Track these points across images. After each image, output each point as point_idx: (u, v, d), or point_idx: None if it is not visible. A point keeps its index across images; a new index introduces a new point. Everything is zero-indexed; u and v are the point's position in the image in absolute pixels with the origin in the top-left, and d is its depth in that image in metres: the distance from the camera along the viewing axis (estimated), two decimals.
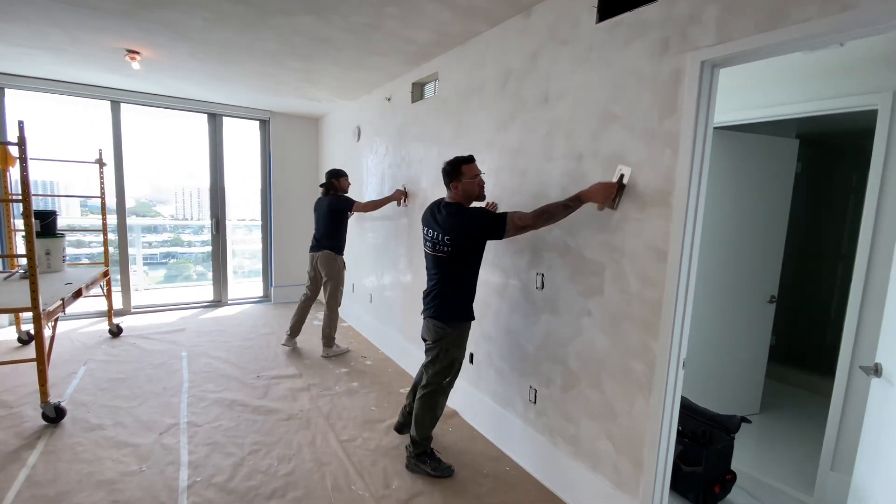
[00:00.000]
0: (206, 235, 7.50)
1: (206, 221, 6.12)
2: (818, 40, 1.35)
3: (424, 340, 2.35)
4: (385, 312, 4.11)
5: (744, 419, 2.27)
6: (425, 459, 2.32)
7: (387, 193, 3.93)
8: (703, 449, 2.14)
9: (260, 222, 5.93)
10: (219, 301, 5.60)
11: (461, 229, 2.11)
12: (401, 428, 2.65)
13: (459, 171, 2.16)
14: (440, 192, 3.07)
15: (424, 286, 2.37)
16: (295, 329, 4.10)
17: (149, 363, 3.68)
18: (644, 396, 1.81)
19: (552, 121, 2.19)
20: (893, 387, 1.57)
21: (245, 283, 7.01)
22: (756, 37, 1.44)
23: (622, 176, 1.85)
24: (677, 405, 1.79)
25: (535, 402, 2.37)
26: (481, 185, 2.22)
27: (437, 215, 2.21)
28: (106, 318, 4.56)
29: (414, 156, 3.49)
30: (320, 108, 5.12)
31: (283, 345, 4.12)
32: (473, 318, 2.31)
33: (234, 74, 3.84)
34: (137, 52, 3.37)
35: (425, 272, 2.39)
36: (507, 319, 2.55)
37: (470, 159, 2.20)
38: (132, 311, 5.14)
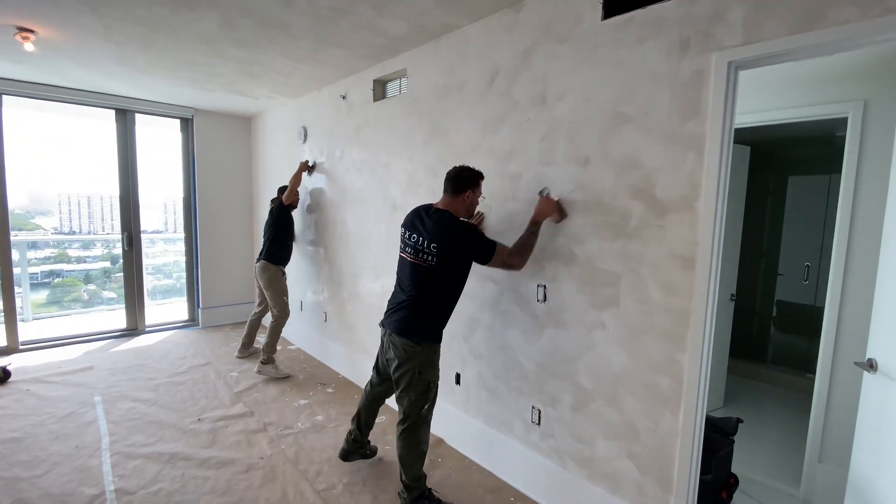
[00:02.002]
0: (98, 250, 6.44)
1: (101, 234, 5.25)
2: (855, 43, 1.34)
3: (387, 364, 2.13)
4: (345, 332, 3.73)
5: (739, 420, 2.30)
6: (423, 502, 2.08)
7: (347, 199, 3.59)
8: (711, 456, 2.12)
9: (183, 235, 5.17)
10: (134, 329, 4.77)
11: (454, 240, 1.96)
12: (346, 455, 2.42)
13: (478, 182, 2.10)
14: (413, 199, 2.83)
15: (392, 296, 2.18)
16: (247, 344, 4.17)
17: (51, 415, 2.95)
18: (672, 412, 1.71)
19: (551, 122, 2.05)
20: (894, 381, 1.62)
21: (166, 304, 6.12)
22: (788, 38, 1.41)
23: (548, 192, 2.08)
24: (704, 419, 1.72)
25: (538, 424, 2.20)
26: (476, 204, 2.17)
27: (424, 220, 2.06)
28: None
29: (378, 160, 3.19)
30: (255, 105, 4.58)
31: (237, 357, 4.14)
32: (441, 340, 2.11)
33: (156, 63, 3.25)
34: (32, 31, 2.71)
35: (396, 281, 2.18)
36: (501, 335, 2.36)
37: (482, 176, 2.15)
38: (20, 347, 4.18)
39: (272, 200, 3.97)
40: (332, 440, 2.72)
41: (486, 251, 1.96)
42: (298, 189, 3.87)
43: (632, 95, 1.77)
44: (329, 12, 2.32)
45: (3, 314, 4.08)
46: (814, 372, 3.77)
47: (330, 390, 3.47)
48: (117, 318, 4.90)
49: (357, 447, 2.42)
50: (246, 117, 5.20)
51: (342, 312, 3.76)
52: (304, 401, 3.26)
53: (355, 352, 3.61)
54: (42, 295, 6.31)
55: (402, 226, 2.16)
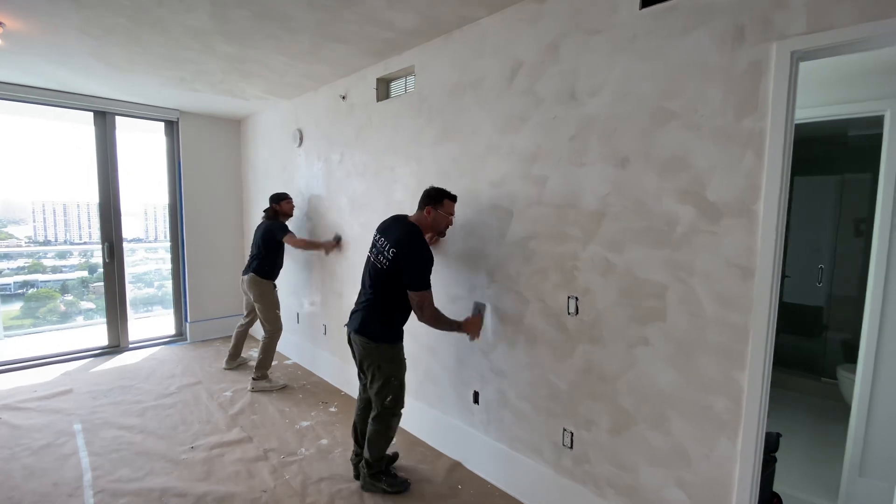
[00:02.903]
0: (75, 259, 6.09)
1: (78, 244, 4.95)
2: None
3: (359, 369, 2.30)
4: (347, 346, 3.50)
5: (779, 434, 2.16)
6: (380, 477, 2.28)
7: (345, 207, 3.38)
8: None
9: (163, 242, 4.88)
10: (116, 346, 4.46)
11: (406, 251, 2.08)
12: (359, 473, 2.41)
13: (442, 201, 2.20)
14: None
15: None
16: (234, 355, 4.04)
17: (26, 447, 2.67)
18: (729, 436, 1.55)
19: (583, 120, 1.89)
20: None
21: (149, 317, 5.80)
22: (860, 26, 1.27)
23: (482, 311, 2.31)
24: (763, 443, 1.57)
25: (570, 447, 2.03)
26: (449, 224, 2.29)
27: (395, 224, 2.22)
28: None
29: (382, 163, 2.99)
30: (245, 107, 4.34)
31: (224, 368, 3.99)
32: (401, 339, 2.24)
33: (139, 60, 3.00)
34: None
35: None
36: (525, 351, 2.19)
37: (454, 198, 2.26)
38: None
39: (265, 211, 3.69)
40: (341, 467, 2.50)
41: (419, 283, 2.08)
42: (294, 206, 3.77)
43: (677, 90, 1.62)
44: (334, 2, 2.12)
45: None
46: (828, 375, 3.71)
47: (333, 409, 3.25)
48: (98, 334, 4.57)
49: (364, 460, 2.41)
50: (235, 120, 4.95)
51: (344, 327, 3.54)
52: (307, 422, 3.03)
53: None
54: (16, 307, 5.98)
55: (377, 229, 2.28)
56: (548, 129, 2.03)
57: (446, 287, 2.59)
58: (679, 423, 1.67)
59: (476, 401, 2.46)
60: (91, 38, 2.65)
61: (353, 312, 2.26)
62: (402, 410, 2.28)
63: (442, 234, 2.36)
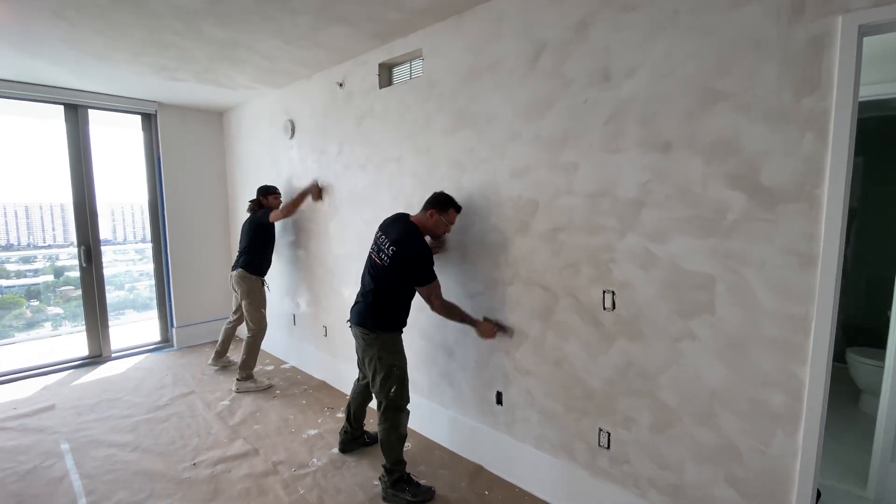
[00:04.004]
0: (40, 263, 5.73)
1: (42, 247, 4.63)
2: None
3: (360, 363, 2.35)
4: (349, 348, 3.35)
5: None
6: (402, 487, 2.18)
7: (345, 202, 3.21)
8: None
9: (137, 244, 4.60)
10: (98, 355, 4.18)
11: (406, 250, 2.13)
12: (343, 447, 2.61)
13: (447, 209, 2.23)
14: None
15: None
16: (220, 353, 3.90)
17: (11, 472, 2.44)
18: (787, 431, 1.49)
19: (617, 103, 1.78)
20: None
21: (136, 322, 5.50)
22: None
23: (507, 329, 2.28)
24: (823, 438, 1.51)
25: (608, 448, 1.94)
26: (446, 232, 2.31)
27: (396, 224, 2.25)
28: None
29: (387, 154, 2.83)
30: (229, 97, 4.08)
31: (209, 364, 3.90)
32: (402, 330, 2.28)
33: (117, 46, 2.74)
34: None
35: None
36: (555, 348, 2.08)
37: (459, 209, 2.28)
38: None
39: (250, 202, 3.55)
40: (358, 478, 2.37)
41: (424, 278, 2.16)
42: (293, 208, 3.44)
43: (726, 68, 1.52)
44: None
45: None
46: (837, 359, 3.75)
47: (340, 415, 3.10)
48: (78, 343, 4.27)
49: (351, 438, 2.60)
50: (217, 112, 4.67)
51: (346, 326, 3.38)
52: (314, 430, 2.88)
53: None
54: None
55: (379, 226, 2.30)
56: (578, 113, 1.91)
57: (464, 283, 2.46)
58: (729, 418, 1.60)
59: (499, 401, 2.35)
60: (65, 22, 2.39)
61: (353, 306, 2.30)
62: (409, 406, 2.27)
63: (437, 238, 2.38)
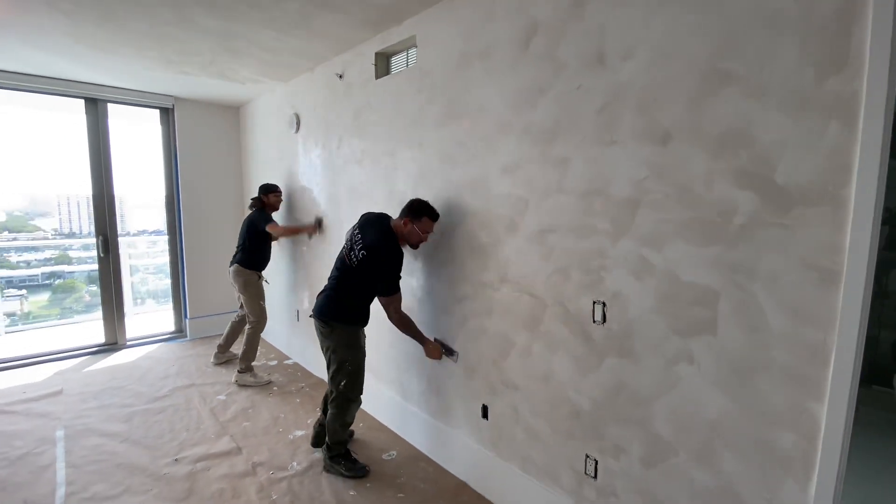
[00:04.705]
0: (95, 252, 6.02)
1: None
2: None
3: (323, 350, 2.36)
4: None
5: None
6: (339, 461, 2.33)
7: (343, 198, 3.11)
8: None
9: (167, 236, 4.69)
10: (114, 343, 4.30)
11: (376, 257, 2.14)
12: (315, 441, 2.58)
13: (421, 217, 2.16)
14: (427, 193, 2.37)
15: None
16: (223, 347, 3.92)
17: (3, 457, 2.50)
18: (797, 480, 1.24)
19: (613, 88, 1.57)
20: None
21: (152, 313, 5.69)
22: None
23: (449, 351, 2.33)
24: (842, 490, 1.25)
25: (594, 477, 1.73)
26: (422, 241, 2.24)
27: (374, 227, 2.24)
28: None
29: (382, 148, 2.70)
30: (242, 92, 4.08)
31: (212, 362, 3.90)
32: (363, 325, 2.31)
33: (119, 39, 2.75)
34: None
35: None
36: (543, 362, 1.89)
37: (436, 217, 2.20)
38: None
39: (252, 199, 3.58)
40: (335, 486, 2.26)
41: (386, 290, 2.21)
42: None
43: (736, 46, 1.28)
44: None
45: None
46: (882, 383, 3.32)
47: None
48: (97, 330, 4.41)
49: (322, 432, 2.52)
50: (233, 106, 4.70)
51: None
52: (301, 432, 2.79)
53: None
54: (44, 297, 6.15)
55: (358, 221, 2.32)
56: (570, 101, 1.70)
57: (451, 286, 2.30)
58: (730, 458, 1.36)
59: (485, 415, 2.18)
60: (62, 15, 2.40)
61: (316, 298, 2.33)
62: (362, 397, 2.35)
63: (414, 247, 2.32)
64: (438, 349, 2.33)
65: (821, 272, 1.17)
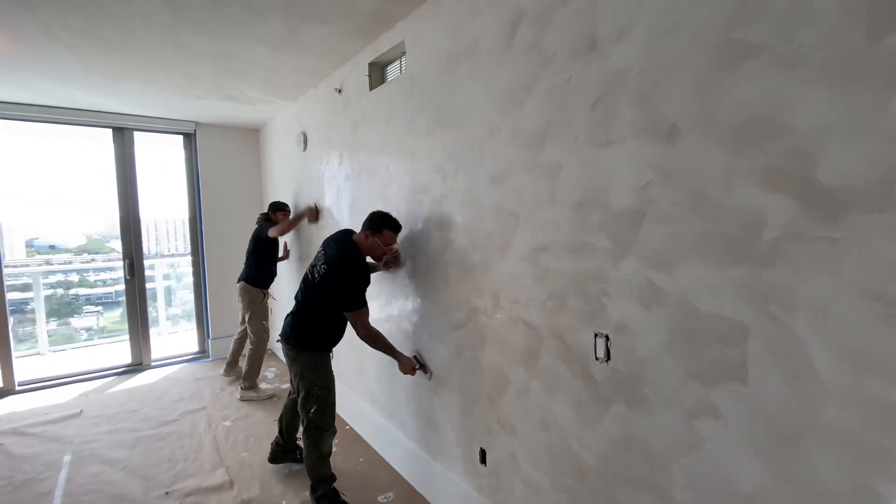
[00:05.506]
0: (164, 270, 6.31)
1: (168, 257, 5.02)
2: None
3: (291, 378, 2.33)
4: (354, 373, 3.09)
5: None
6: (324, 503, 2.16)
7: (345, 215, 2.98)
8: None
9: (190, 258, 4.78)
10: (139, 363, 4.38)
11: (335, 271, 2.07)
12: (273, 459, 2.57)
13: (381, 230, 2.11)
14: (418, 209, 2.16)
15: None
16: (231, 363, 3.94)
17: (10, 481, 2.50)
18: None
19: (607, 77, 1.31)
20: None
21: (183, 333, 5.82)
22: None
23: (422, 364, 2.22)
24: None
25: None
26: (385, 253, 2.21)
27: (337, 242, 2.18)
28: None
29: (377, 161, 2.54)
30: (257, 114, 4.10)
31: (222, 375, 3.95)
32: (328, 350, 2.23)
33: (124, 66, 2.79)
34: None
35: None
36: (542, 404, 1.61)
37: (397, 229, 2.15)
38: (17, 388, 3.87)
39: (261, 215, 3.64)
40: None
41: (350, 304, 2.08)
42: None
43: (756, 8, 0.99)
44: None
45: None
46: None
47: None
48: (187, 341, 4.60)
49: (282, 451, 2.55)
50: (253, 129, 4.77)
51: (349, 348, 3.12)
52: (298, 466, 2.62)
53: (362, 398, 2.95)
54: (117, 313, 6.53)
55: (324, 241, 2.27)
56: (560, 96, 1.45)
57: (446, 312, 2.06)
58: None
59: (483, 460, 1.90)
60: (64, 46, 2.45)
61: (284, 320, 2.27)
62: (335, 425, 2.24)
63: (378, 260, 2.31)
64: (413, 364, 2.21)
65: (887, 303, 0.84)
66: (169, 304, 6.26)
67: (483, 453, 1.90)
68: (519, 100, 1.60)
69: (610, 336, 1.35)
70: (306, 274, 2.20)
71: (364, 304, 2.12)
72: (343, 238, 2.18)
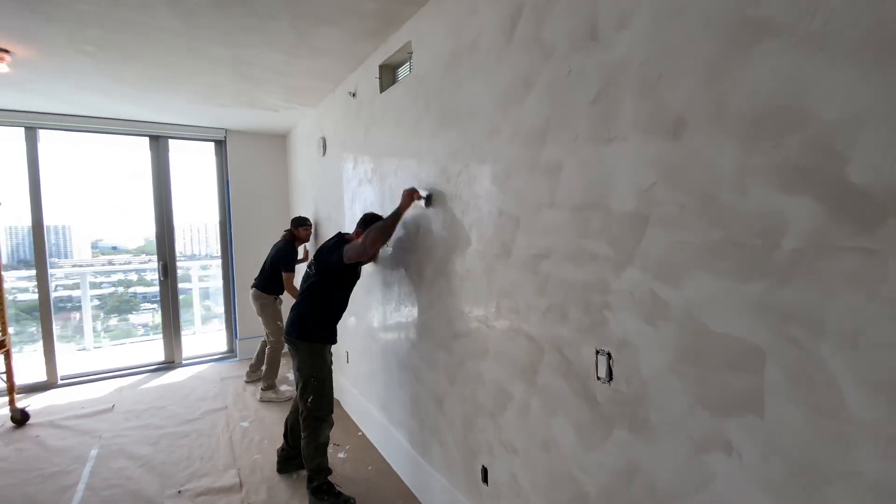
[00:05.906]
0: (211, 270, 6.60)
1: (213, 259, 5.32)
2: None
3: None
4: (364, 379, 3.05)
5: None
6: (322, 496, 2.21)
7: (356, 217, 2.95)
8: None
9: (220, 260, 4.94)
10: (171, 362, 4.56)
11: (327, 249, 2.30)
12: (280, 468, 2.57)
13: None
14: (425, 211, 2.09)
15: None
16: (254, 366, 4.01)
17: (40, 473, 2.63)
18: None
19: (609, 69, 1.19)
20: None
21: (213, 332, 6.02)
22: None
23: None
24: None
25: None
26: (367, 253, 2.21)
27: (328, 243, 2.38)
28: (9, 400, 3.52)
29: (387, 165, 2.50)
30: (281, 120, 4.18)
31: (245, 381, 4.02)
32: (330, 343, 2.33)
33: (148, 75, 2.90)
34: (6, 51, 2.47)
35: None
36: (542, 424, 1.49)
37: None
38: (59, 382, 4.11)
39: (285, 231, 3.74)
40: None
41: (342, 251, 2.19)
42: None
43: None
44: None
45: (43, 350, 4.03)
46: None
47: (342, 455, 2.79)
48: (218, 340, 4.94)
49: (287, 458, 2.55)
50: (280, 135, 4.87)
51: (360, 354, 3.10)
52: (305, 471, 2.60)
53: (373, 405, 2.91)
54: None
55: (317, 249, 2.42)
56: (560, 91, 1.34)
57: (449, 323, 1.98)
58: None
59: (485, 479, 1.80)
60: (89, 58, 2.56)
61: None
62: (333, 416, 2.33)
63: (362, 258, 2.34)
64: (410, 193, 2.10)
65: None
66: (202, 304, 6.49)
67: (485, 471, 1.79)
68: (518, 96, 1.49)
69: (612, 353, 1.22)
70: (305, 273, 2.38)
71: (343, 245, 2.24)
72: (335, 239, 2.37)
